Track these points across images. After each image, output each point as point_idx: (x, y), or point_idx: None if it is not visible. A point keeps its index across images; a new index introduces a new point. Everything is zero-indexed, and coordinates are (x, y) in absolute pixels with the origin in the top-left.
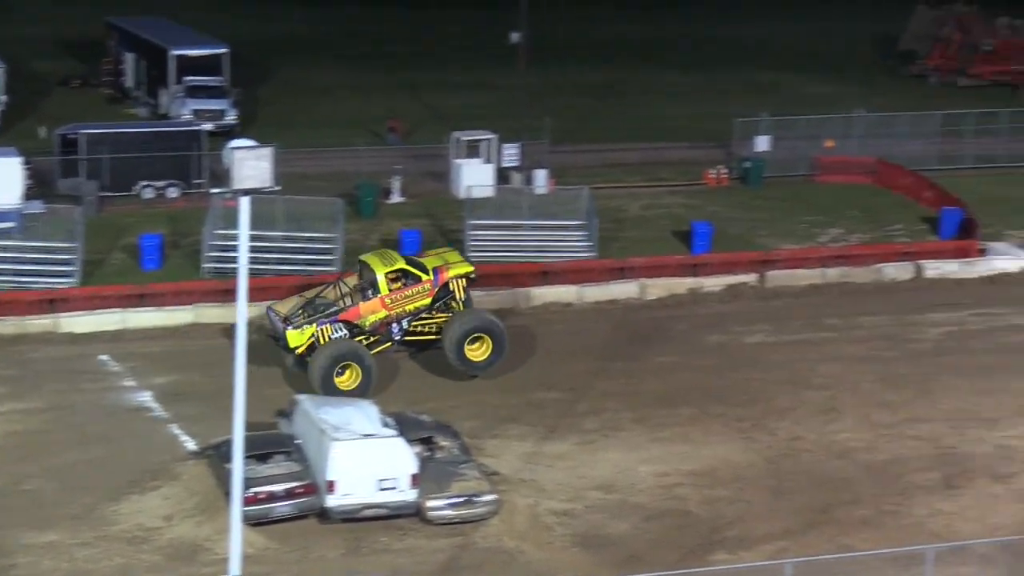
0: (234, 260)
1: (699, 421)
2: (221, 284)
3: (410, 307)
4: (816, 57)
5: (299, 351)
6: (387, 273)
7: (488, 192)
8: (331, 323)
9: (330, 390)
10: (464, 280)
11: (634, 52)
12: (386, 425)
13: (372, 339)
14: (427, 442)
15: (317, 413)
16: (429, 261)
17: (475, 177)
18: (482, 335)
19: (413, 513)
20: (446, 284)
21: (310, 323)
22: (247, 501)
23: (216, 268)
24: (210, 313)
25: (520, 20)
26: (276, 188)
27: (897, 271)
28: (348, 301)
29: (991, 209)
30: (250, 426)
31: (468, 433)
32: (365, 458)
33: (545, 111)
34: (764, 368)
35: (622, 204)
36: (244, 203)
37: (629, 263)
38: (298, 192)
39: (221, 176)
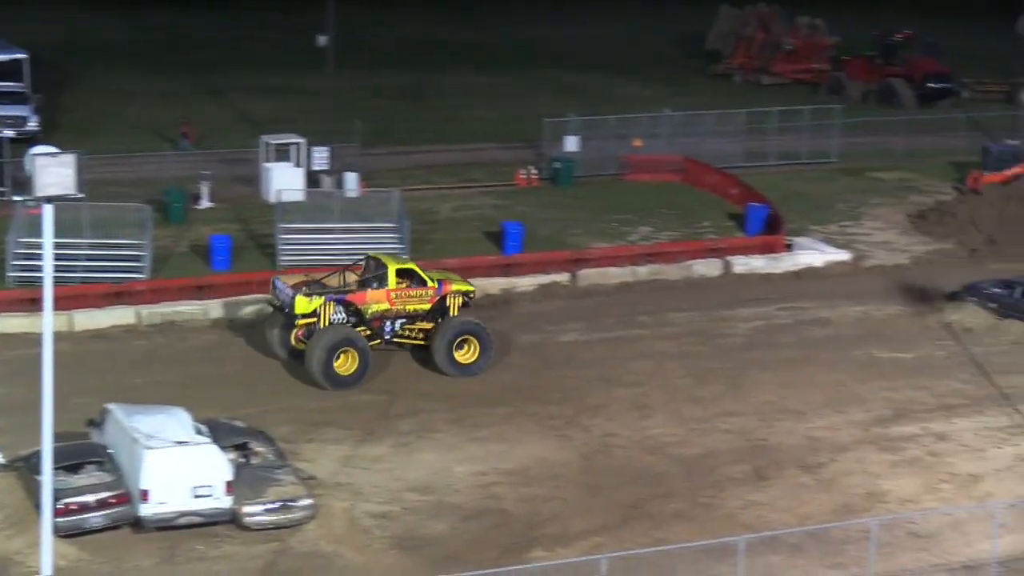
0: (40, 269)
1: (514, 420)
2: (27, 293)
3: (409, 308)
4: (623, 58)
5: (298, 329)
6: (398, 269)
7: (298, 196)
8: (336, 301)
9: (330, 374)
10: (462, 298)
11: (442, 54)
12: (199, 432)
13: (366, 333)
14: (241, 448)
15: (129, 421)
16: (433, 274)
17: (285, 181)
18: (468, 338)
19: (229, 520)
20: (444, 297)
21: (319, 295)
22: (58, 513)
23: (21, 277)
24: (14, 323)
25: (327, 23)
26: (80, 195)
27: (706, 268)
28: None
29: (795, 205)
30: (59, 436)
31: (283, 438)
32: (179, 466)
33: (355, 114)
34: (577, 366)
35: (433, 206)
36: (48, 211)
37: (442, 264)
38: (105, 199)
39: (24, 183)
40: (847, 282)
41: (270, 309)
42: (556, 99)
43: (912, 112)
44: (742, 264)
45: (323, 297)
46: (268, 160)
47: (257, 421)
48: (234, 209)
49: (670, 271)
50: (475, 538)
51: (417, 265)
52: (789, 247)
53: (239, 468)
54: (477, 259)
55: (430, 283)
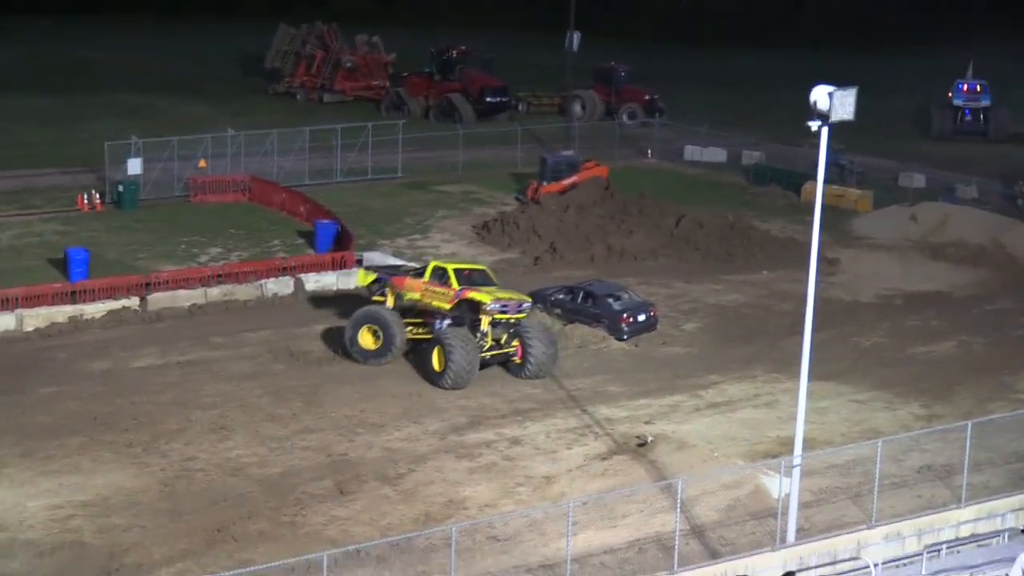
0: None
1: (89, 450)
2: None
3: (434, 304)
4: (183, 78)
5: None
6: (435, 266)
7: None
8: (383, 280)
9: (355, 347)
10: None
11: None
12: None
13: (418, 323)
14: None
15: None
16: (493, 289)
17: None
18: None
19: None
20: (466, 302)
21: (374, 273)
22: None
23: None
24: None
25: None
26: None
27: (278, 286)
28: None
29: (364, 220)
30: None
31: None
32: None
33: None
34: (152, 391)
35: None
36: None
37: (3, 294)
38: None
39: None
40: None
41: None
42: (117, 121)
43: (471, 126)
44: (314, 281)
45: (375, 274)
46: None
47: None
48: None
49: (242, 291)
50: (52, 573)
51: (465, 270)
52: (359, 262)
53: None
54: (42, 287)
55: (454, 285)
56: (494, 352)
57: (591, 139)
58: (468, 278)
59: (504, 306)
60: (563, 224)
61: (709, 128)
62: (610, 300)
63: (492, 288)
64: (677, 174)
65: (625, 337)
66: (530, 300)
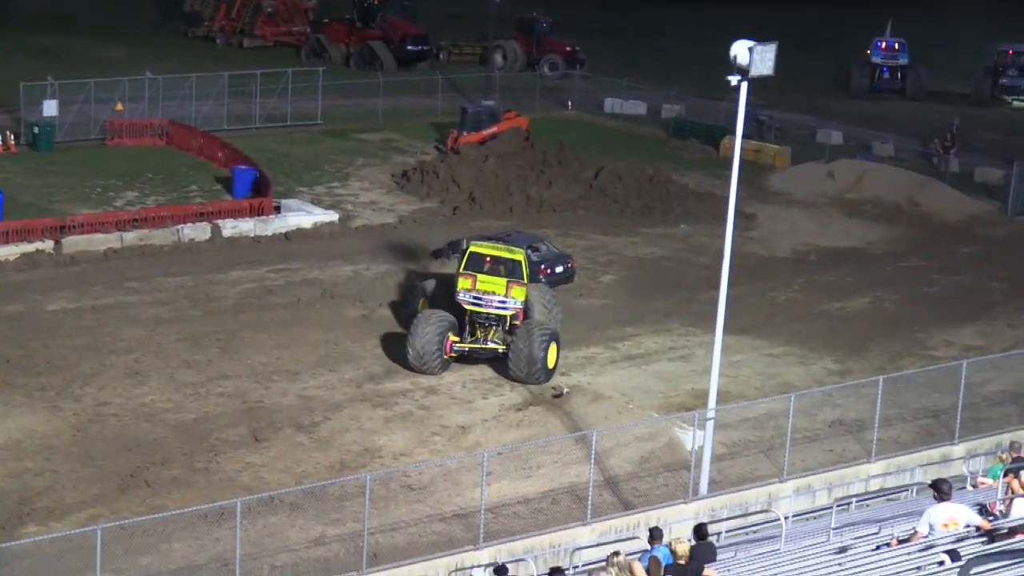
0: None
1: (1, 393)
2: None
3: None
4: (101, 20)
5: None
6: (472, 251)
7: None
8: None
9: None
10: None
11: None
12: None
13: None
14: None
15: None
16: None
17: None
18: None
19: None
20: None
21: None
22: None
23: None
24: None
25: None
26: None
27: (195, 231)
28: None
29: (282, 167)
30: None
31: None
32: None
33: None
34: (66, 335)
35: None
36: None
37: None
38: None
39: None
40: (336, 242)
41: None
42: (33, 62)
43: (392, 74)
44: (231, 227)
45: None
46: None
47: None
48: None
49: (159, 236)
50: None
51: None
52: (278, 209)
53: None
54: None
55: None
56: (473, 346)
57: (512, 89)
58: (489, 265)
59: (477, 299)
60: (482, 174)
61: (629, 81)
62: (528, 251)
63: (499, 280)
64: (597, 126)
65: None
66: (522, 300)
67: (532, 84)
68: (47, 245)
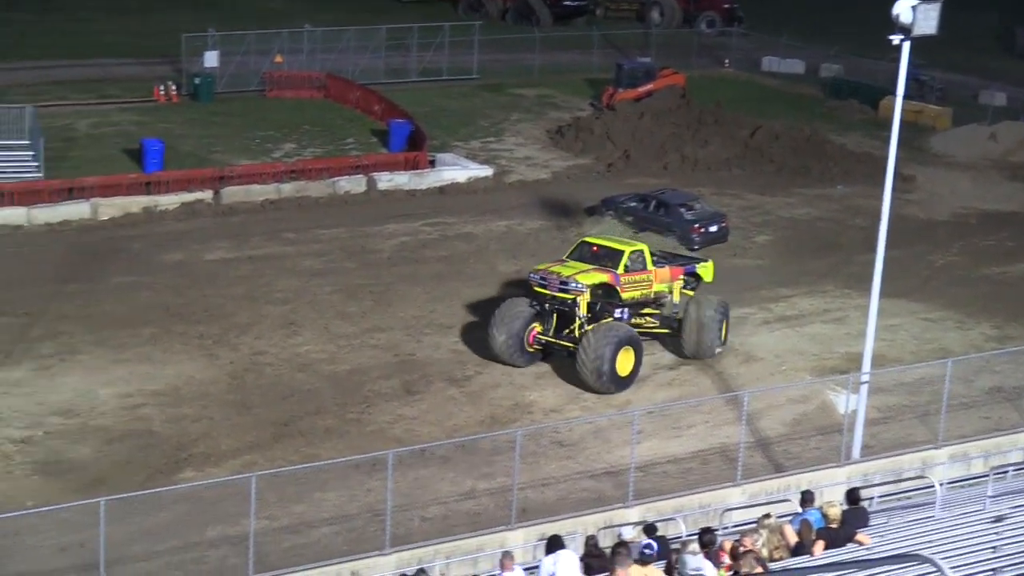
0: None
1: (161, 340)
2: None
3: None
4: None
5: None
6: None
7: None
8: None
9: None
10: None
11: None
12: None
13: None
14: None
15: None
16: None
17: None
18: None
19: None
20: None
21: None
22: None
23: None
24: None
25: None
26: None
27: (351, 184)
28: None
29: (438, 121)
30: None
31: None
32: None
33: None
34: (224, 284)
35: (70, 123)
36: None
37: (80, 183)
38: None
39: None
40: (490, 197)
41: None
42: (194, 14)
43: (548, 29)
44: (386, 180)
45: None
46: None
47: None
48: None
49: (315, 188)
50: (123, 460)
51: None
52: (432, 163)
53: None
54: (118, 177)
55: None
56: (550, 339)
57: (668, 47)
58: (594, 255)
59: (543, 280)
60: (637, 131)
61: (788, 39)
62: (682, 209)
63: (580, 266)
64: (754, 85)
65: (696, 247)
66: (583, 284)
67: (689, 41)
68: (206, 195)
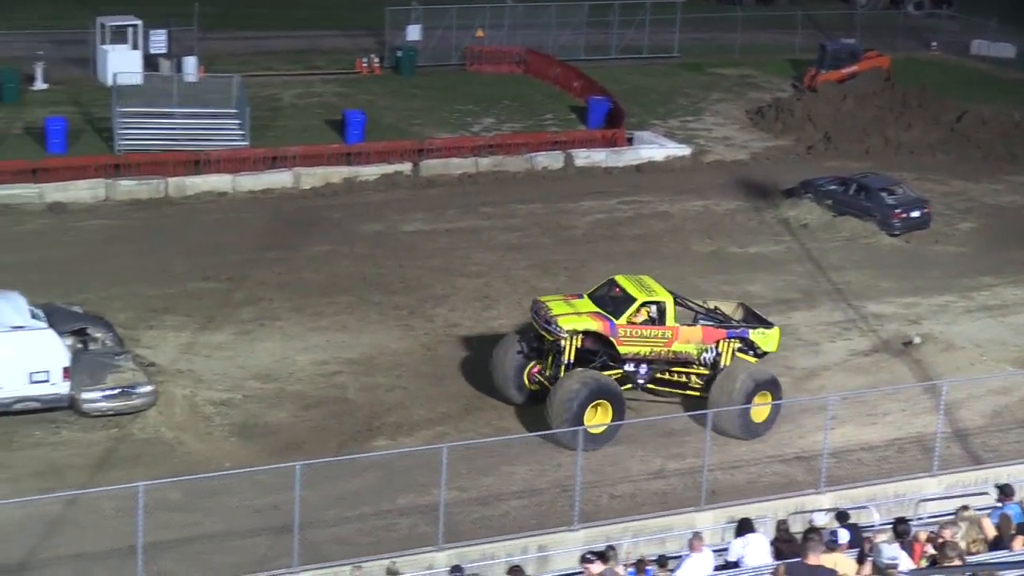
0: None
1: (357, 309)
2: None
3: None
4: None
5: None
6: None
7: (136, 79)
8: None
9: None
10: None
11: None
12: (35, 316)
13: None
14: (80, 334)
15: None
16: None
17: (122, 64)
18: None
19: (67, 406)
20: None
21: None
22: None
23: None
24: None
25: None
26: None
27: (548, 160)
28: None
29: (637, 99)
30: None
31: (123, 324)
32: (14, 350)
33: None
34: (421, 256)
35: (275, 92)
36: None
37: (283, 152)
38: None
39: None
40: (687, 176)
41: None
42: None
43: (751, 8)
44: (584, 157)
45: None
46: (104, 42)
47: (96, 307)
48: (69, 91)
49: (512, 163)
50: (317, 426)
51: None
52: (630, 141)
53: (77, 354)
54: (320, 147)
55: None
56: (542, 378)
57: (874, 28)
58: (611, 297)
59: (536, 313)
60: (839, 113)
61: (999, 22)
62: (883, 194)
63: (580, 303)
64: (962, 68)
65: (897, 232)
66: (564, 330)
67: (895, 22)
68: (406, 167)
